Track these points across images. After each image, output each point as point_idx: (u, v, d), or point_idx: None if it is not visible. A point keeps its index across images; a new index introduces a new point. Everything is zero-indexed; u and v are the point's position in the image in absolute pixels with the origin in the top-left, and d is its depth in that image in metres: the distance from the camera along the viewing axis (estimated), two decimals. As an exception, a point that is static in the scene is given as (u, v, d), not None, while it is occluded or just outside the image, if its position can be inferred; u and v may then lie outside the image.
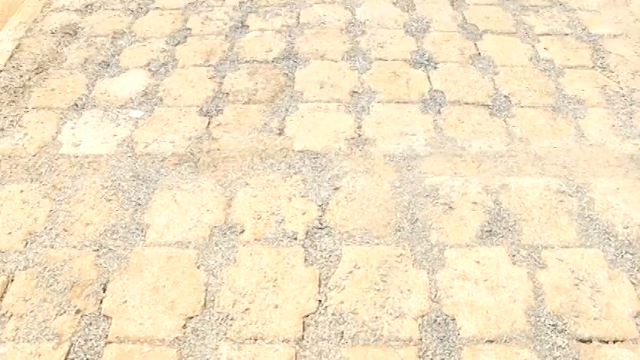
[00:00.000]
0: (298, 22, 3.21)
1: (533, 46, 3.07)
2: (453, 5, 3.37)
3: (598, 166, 2.41)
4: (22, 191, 2.31)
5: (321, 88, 2.73)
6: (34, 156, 2.48)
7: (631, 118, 2.66)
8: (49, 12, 3.46)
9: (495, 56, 2.97)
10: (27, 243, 2.11)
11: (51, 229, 2.16)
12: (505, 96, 2.72)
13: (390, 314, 1.84)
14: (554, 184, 2.31)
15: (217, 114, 2.62)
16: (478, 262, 2.01)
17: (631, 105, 2.73)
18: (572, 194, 2.28)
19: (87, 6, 3.48)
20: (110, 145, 2.51)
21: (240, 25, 3.22)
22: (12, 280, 1.99)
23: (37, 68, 2.99)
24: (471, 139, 2.50)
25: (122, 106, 2.71)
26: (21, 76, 2.94)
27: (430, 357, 1.74)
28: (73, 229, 2.16)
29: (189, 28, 3.21)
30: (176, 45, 3.09)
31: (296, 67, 2.87)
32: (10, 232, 2.15)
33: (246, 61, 2.92)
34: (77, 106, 2.74)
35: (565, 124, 2.60)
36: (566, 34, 3.17)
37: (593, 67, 2.96)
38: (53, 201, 2.27)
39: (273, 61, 2.91)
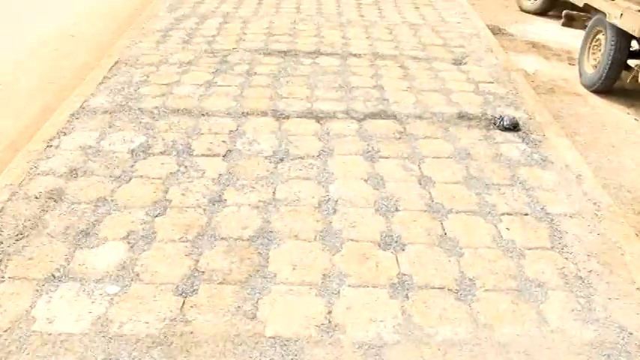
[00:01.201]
0: (274, 198, 3.38)
1: (495, 226, 3.25)
2: (420, 183, 3.59)
3: (559, 354, 2.50)
4: (-12, 373, 2.31)
5: (294, 269, 2.83)
6: (5, 331, 2.49)
7: (589, 302, 2.78)
8: (35, 175, 3.59)
9: (460, 237, 3.14)
10: None
11: (14, 418, 2.14)
12: (470, 279, 2.85)
13: None
14: (518, 376, 2.38)
15: (192, 294, 2.68)
16: None
17: (588, 288, 2.87)
18: (535, 386, 2.34)
19: (72, 170, 3.63)
20: (84, 323, 2.54)
21: (218, 198, 3.37)
22: None
23: (17, 235, 3.07)
24: (437, 325, 2.58)
25: (99, 280, 2.77)
26: (1, 242, 3.00)
27: None
28: (38, 418, 2.14)
29: (169, 200, 3.35)
30: (156, 217, 3.21)
31: (270, 246, 2.99)
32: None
33: (223, 238, 3.04)
34: (54, 277, 2.79)
35: (527, 309, 2.71)
36: (526, 214, 3.38)
37: (551, 247, 3.13)
38: (20, 385, 2.25)
39: (248, 239, 3.03)
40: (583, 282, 2.90)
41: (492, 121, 4.44)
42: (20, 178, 3.55)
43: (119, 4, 8.59)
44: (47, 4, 8.46)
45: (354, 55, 5.84)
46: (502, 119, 4.40)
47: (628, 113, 5.46)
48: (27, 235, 3.06)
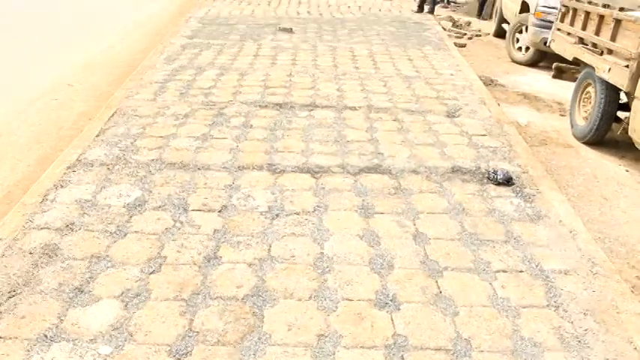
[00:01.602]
0: (269, 255, 3.38)
1: (490, 284, 3.25)
2: (415, 240, 3.59)
3: (557, 420, 2.47)
4: None
5: (289, 330, 2.81)
6: (-6, 395, 2.45)
7: (586, 364, 2.77)
8: (30, 229, 3.58)
9: (456, 296, 3.13)
10: None
11: None
12: (465, 339, 2.83)
13: None
14: None
15: (186, 355, 2.65)
16: None
17: (585, 348, 2.85)
18: None
19: (68, 225, 3.63)
20: (75, 387, 2.50)
21: (213, 255, 3.36)
22: None
23: (10, 291, 3.04)
24: (433, 389, 2.56)
25: (92, 340, 2.73)
26: (-7, 300, 2.98)
27: None
28: None
29: (164, 256, 3.34)
30: (150, 274, 3.19)
31: (265, 305, 2.97)
32: None
33: (218, 297, 3.02)
34: (46, 337, 2.75)
35: (523, 371, 2.69)
36: (521, 271, 3.38)
37: (547, 305, 3.12)
38: None
39: (243, 299, 3.01)
40: (579, 341, 2.89)
41: (486, 176, 4.49)
42: (15, 233, 3.54)
43: (118, 55, 8.75)
44: (47, 53, 8.61)
45: (349, 107, 5.93)
46: (496, 173, 4.44)
47: (619, 165, 5.53)
48: (20, 293, 3.04)
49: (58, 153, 4.89)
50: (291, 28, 9.91)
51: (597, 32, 5.78)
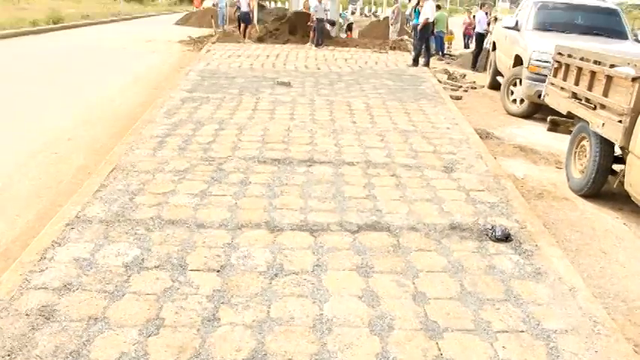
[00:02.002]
0: (268, 317, 3.34)
1: (491, 345, 3.21)
2: (415, 300, 3.57)
3: None
4: None
5: (289, 396, 2.78)
6: None
7: None
8: (27, 289, 3.55)
9: (457, 358, 3.08)
10: None
11: None
12: (467, 405, 2.79)
13: None
14: None
15: None
16: None
17: (589, 413, 2.81)
18: None
19: (65, 285, 3.60)
20: None
21: (212, 317, 3.33)
22: None
23: (5, 356, 3.00)
24: None
25: (88, 408, 2.69)
26: (-12, 365, 2.94)
27: None
28: None
29: (162, 318, 3.31)
30: (148, 337, 3.16)
31: (265, 370, 2.94)
32: None
33: (216, 362, 2.99)
34: (41, 405, 2.71)
35: None
36: (522, 331, 3.35)
37: (549, 367, 3.09)
38: None
39: (242, 363, 2.99)
40: (583, 405, 2.85)
41: (484, 232, 4.49)
42: (12, 293, 3.51)
43: (118, 107, 8.87)
44: (48, 106, 8.72)
45: (347, 163, 5.98)
46: (494, 230, 4.45)
47: (617, 217, 5.55)
48: (15, 357, 2.99)
49: (57, 208, 4.90)
50: (289, 82, 10.08)
51: (590, 87, 5.89)
